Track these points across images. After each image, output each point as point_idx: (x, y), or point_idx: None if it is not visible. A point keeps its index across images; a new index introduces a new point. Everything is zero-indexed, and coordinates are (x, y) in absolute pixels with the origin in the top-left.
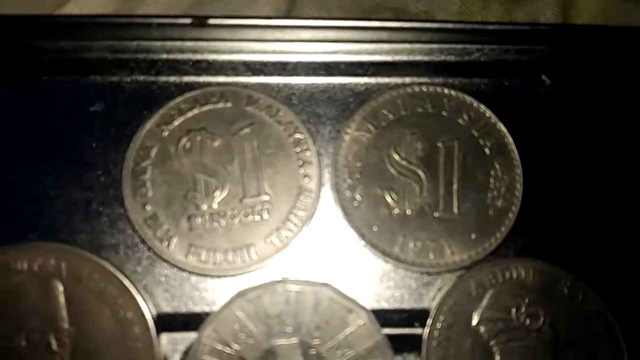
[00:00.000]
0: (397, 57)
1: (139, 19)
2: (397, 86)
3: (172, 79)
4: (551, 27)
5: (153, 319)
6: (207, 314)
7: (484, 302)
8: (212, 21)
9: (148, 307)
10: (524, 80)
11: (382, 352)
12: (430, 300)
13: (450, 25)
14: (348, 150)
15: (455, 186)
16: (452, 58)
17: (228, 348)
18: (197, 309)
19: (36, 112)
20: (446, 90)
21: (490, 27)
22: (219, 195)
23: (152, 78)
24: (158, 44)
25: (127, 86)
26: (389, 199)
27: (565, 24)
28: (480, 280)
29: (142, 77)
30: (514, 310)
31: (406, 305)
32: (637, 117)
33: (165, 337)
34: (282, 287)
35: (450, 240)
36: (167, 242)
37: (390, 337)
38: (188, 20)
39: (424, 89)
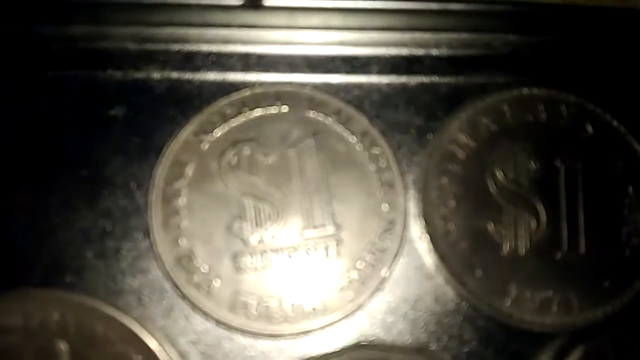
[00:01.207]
0: (498, 51)
1: None
2: (499, 87)
3: (213, 76)
4: None
5: None
6: None
7: None
8: (268, 2)
9: None
10: None
11: None
12: None
13: (564, 10)
14: (439, 169)
15: (580, 217)
16: (568, 53)
17: None
18: None
19: (39, 115)
20: (563, 94)
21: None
22: (273, 227)
23: (189, 75)
24: (196, 31)
25: (156, 85)
26: (494, 234)
27: None
28: (619, 343)
29: (175, 74)
30: None
31: None
32: None
33: None
34: (363, 355)
35: (578, 290)
36: (206, 289)
37: None
38: (238, 1)
39: (535, 91)
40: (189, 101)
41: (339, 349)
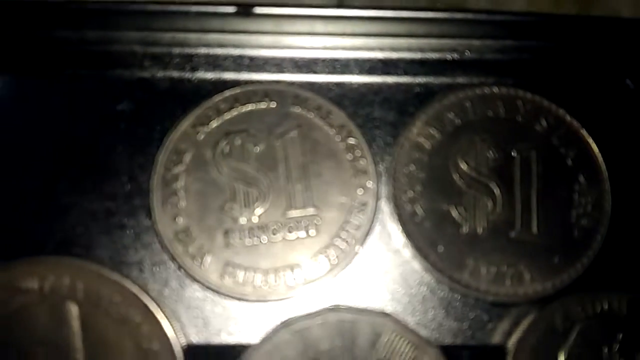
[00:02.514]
0: (464, 54)
1: (174, 6)
2: (463, 87)
3: (210, 75)
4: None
5: (183, 350)
6: (244, 347)
7: (571, 339)
8: (258, 10)
9: (177, 336)
10: (609, 82)
11: None
12: (505, 335)
13: (524, 18)
14: (408, 158)
15: (534, 202)
16: (526, 55)
17: None
18: (233, 340)
19: (55, 109)
20: (520, 92)
21: (567, 20)
22: (260, 208)
23: (188, 74)
24: (195, 35)
25: (159, 83)
26: (456, 215)
27: None
28: (566, 312)
29: (176, 73)
30: (606, 349)
31: (477, 341)
32: None
33: None
34: (335, 317)
35: (531, 265)
36: (200, 260)
37: None
38: (231, 9)
39: (495, 90)
40: (187, 97)
41: (314, 312)
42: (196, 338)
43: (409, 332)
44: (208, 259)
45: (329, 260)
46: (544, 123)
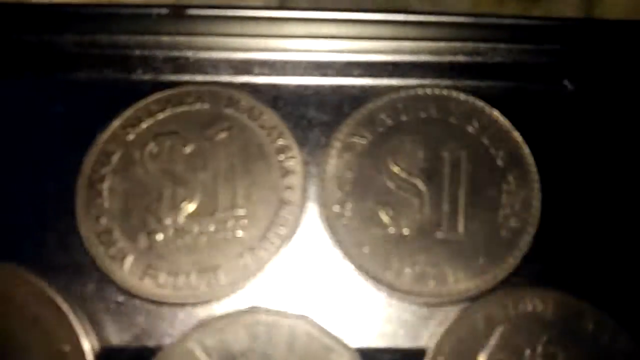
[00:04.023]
0: (400, 57)
1: (109, 8)
2: (398, 88)
3: (146, 77)
4: (575, 24)
5: (95, 353)
6: (160, 349)
7: (493, 340)
8: (190, 11)
9: (89, 339)
10: (544, 84)
11: None
12: (428, 337)
13: (460, 20)
14: (338, 158)
15: (461, 202)
16: (461, 58)
17: None
18: (151, 343)
19: None
20: (454, 94)
21: (505, 22)
22: (186, 208)
23: (124, 76)
24: (130, 37)
25: (95, 85)
26: (383, 216)
27: (591, 19)
28: (488, 313)
29: (112, 75)
30: (528, 351)
31: (400, 344)
32: None
33: None
34: (251, 318)
35: (455, 265)
36: (120, 262)
37: None
38: (164, 10)
39: (428, 91)
40: (123, 100)
41: (231, 313)
42: (114, 340)
43: (326, 335)
44: (129, 260)
45: (253, 261)
46: (475, 124)
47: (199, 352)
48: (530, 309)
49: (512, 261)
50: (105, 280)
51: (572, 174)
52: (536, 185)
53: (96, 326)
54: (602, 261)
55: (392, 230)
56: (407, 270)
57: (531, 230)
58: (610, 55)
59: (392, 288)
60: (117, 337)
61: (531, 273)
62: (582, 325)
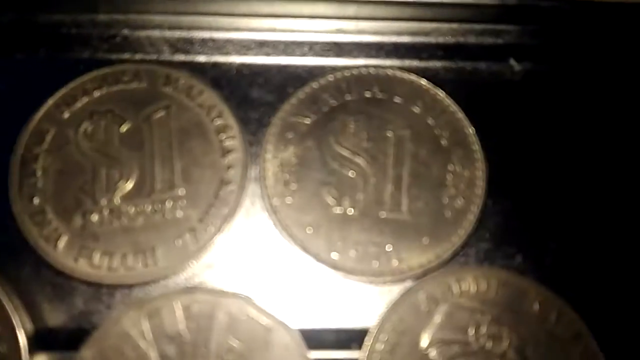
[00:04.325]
0: (344, 37)
1: None
2: (342, 68)
3: (84, 55)
4: (521, 3)
5: (28, 335)
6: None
7: (436, 319)
8: None
9: (22, 321)
10: (490, 64)
11: None
12: (372, 316)
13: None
14: (280, 138)
15: (405, 182)
16: (406, 38)
17: None
18: (87, 324)
19: None
20: (398, 74)
21: (450, 2)
22: (122, 189)
23: (62, 55)
24: (68, 16)
25: (32, 64)
26: (327, 197)
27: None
28: (431, 292)
29: (50, 54)
30: (472, 330)
31: (343, 324)
32: (617, 106)
33: (43, 357)
34: (188, 299)
35: (398, 245)
36: (54, 243)
37: None
38: None
39: (372, 71)
40: (60, 79)
41: (169, 293)
42: (48, 322)
43: (266, 315)
44: (63, 241)
45: (193, 241)
46: (420, 104)
47: (134, 333)
48: (474, 289)
49: (456, 240)
50: (40, 261)
51: (516, 153)
52: (480, 165)
53: (31, 308)
54: (547, 240)
55: (336, 210)
56: (351, 250)
57: (475, 209)
58: (555, 34)
59: (335, 268)
60: (52, 318)
61: (476, 252)
62: (527, 305)
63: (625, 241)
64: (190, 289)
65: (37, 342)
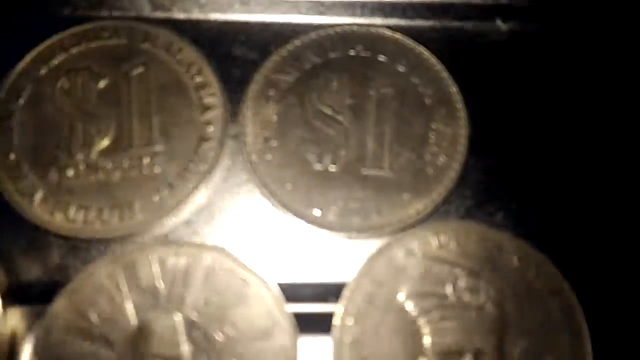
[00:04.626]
0: None
1: None
2: (326, 26)
3: (64, 13)
4: None
5: (2, 289)
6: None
7: (414, 273)
8: None
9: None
10: (476, 24)
11: (286, 332)
12: (350, 271)
13: None
14: (261, 95)
15: (387, 139)
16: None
17: (88, 324)
18: (62, 278)
19: None
20: (383, 32)
21: None
22: (99, 144)
23: (41, 12)
24: None
25: (12, 22)
26: (307, 154)
27: None
28: (410, 247)
29: (28, 12)
30: (449, 284)
31: (322, 278)
32: (602, 66)
33: (17, 311)
34: (164, 252)
35: (379, 201)
36: (30, 197)
37: (300, 316)
38: None
39: (356, 29)
40: (40, 35)
41: (145, 245)
42: (24, 276)
43: (244, 268)
44: (39, 195)
45: (171, 197)
46: (404, 63)
47: (109, 286)
48: (453, 243)
49: (436, 197)
50: (16, 215)
51: (500, 112)
52: (463, 123)
53: (6, 262)
54: (528, 198)
55: (317, 167)
56: (332, 206)
57: (456, 166)
58: None
59: (315, 224)
60: (27, 273)
61: (456, 210)
62: (506, 259)
63: (606, 199)
64: (167, 242)
65: (12, 295)
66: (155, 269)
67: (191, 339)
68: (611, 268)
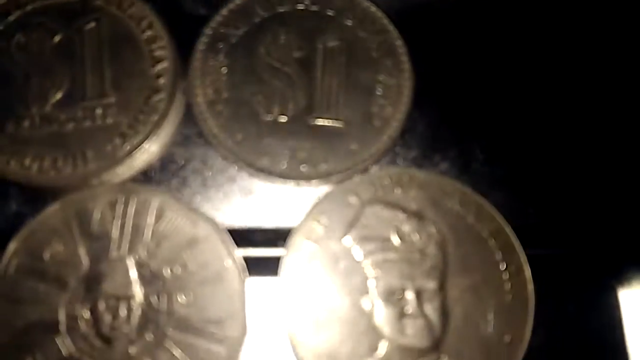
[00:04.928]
0: None
1: None
2: None
3: None
4: None
5: None
6: None
7: (359, 217)
8: None
9: None
10: None
11: (235, 275)
12: (299, 217)
13: None
14: (211, 48)
15: (334, 90)
16: None
17: (41, 265)
18: (18, 225)
19: None
20: None
21: None
22: (53, 97)
23: None
24: None
25: None
26: (257, 105)
27: None
28: (355, 192)
29: None
30: (393, 227)
31: (271, 224)
32: (541, 21)
33: None
34: (113, 195)
35: (327, 150)
36: None
37: (249, 260)
38: None
39: None
40: None
41: (97, 189)
42: None
43: (194, 212)
44: None
45: (123, 146)
46: (352, 16)
47: (62, 230)
48: (398, 189)
49: (381, 147)
50: None
51: (444, 65)
52: (408, 75)
53: None
54: (471, 148)
55: (266, 117)
56: (281, 155)
57: (401, 117)
58: None
59: (265, 172)
60: None
61: (403, 159)
62: (448, 203)
63: (542, 146)
64: (117, 189)
65: None
66: (106, 213)
67: (142, 279)
68: (548, 208)
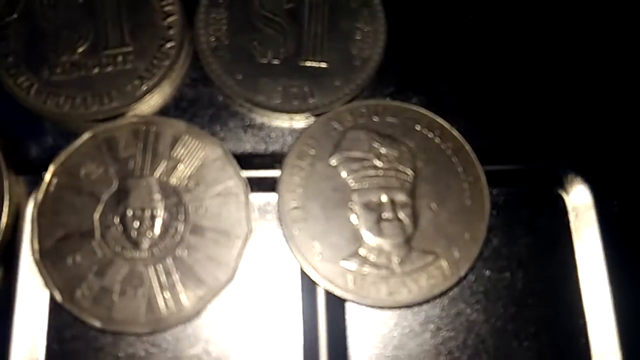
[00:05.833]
0: None
1: None
2: None
3: None
4: None
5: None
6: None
7: (343, 141)
8: None
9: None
10: None
11: (240, 189)
12: (290, 142)
13: None
14: (212, 3)
15: (319, 36)
16: None
17: (78, 182)
18: (56, 154)
19: None
20: None
21: None
22: (80, 48)
23: None
24: None
25: None
26: (253, 50)
27: None
28: (339, 120)
29: None
30: (371, 149)
31: (267, 149)
32: None
33: (21, 179)
34: (136, 126)
35: (314, 86)
36: (27, 90)
37: (251, 179)
38: None
39: None
40: None
41: (122, 122)
42: (25, 153)
43: (205, 136)
44: (34, 89)
45: (140, 87)
46: None
47: (94, 154)
48: (375, 117)
49: (361, 82)
50: (17, 104)
51: (415, 11)
52: (382, 22)
53: (10, 141)
54: (439, 83)
55: (262, 60)
56: (275, 92)
57: (377, 58)
58: None
59: (262, 107)
60: (25, 150)
61: (380, 95)
62: (417, 127)
63: (498, 81)
64: (139, 119)
65: (17, 166)
66: (130, 140)
67: (163, 193)
68: (502, 131)
